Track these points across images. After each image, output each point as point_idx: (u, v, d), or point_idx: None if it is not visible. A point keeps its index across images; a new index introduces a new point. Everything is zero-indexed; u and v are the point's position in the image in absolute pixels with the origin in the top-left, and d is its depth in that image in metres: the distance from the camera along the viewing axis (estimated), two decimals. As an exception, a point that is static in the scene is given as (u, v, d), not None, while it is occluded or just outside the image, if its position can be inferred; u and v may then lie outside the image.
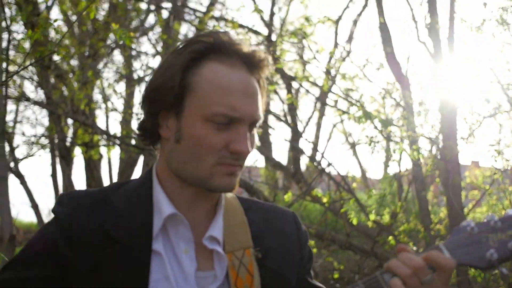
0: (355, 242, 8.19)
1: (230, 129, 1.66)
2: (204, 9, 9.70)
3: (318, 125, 14.94)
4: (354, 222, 6.07)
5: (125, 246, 1.71)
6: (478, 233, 1.55)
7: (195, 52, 1.69)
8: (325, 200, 7.28)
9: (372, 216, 6.25)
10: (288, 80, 8.68)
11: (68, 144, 9.26)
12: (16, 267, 1.76)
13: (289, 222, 1.96)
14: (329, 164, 8.04)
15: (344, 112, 7.55)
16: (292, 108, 9.57)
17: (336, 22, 12.77)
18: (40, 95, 9.66)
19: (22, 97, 8.36)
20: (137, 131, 1.88)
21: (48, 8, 9.30)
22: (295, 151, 9.60)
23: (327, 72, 8.34)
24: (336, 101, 8.29)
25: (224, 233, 1.80)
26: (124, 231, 1.73)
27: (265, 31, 9.72)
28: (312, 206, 11.14)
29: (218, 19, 8.91)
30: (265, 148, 12.98)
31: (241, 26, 8.28)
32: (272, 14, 11.57)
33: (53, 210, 1.80)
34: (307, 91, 10.34)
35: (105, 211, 1.76)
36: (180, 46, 1.76)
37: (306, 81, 8.26)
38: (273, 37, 8.81)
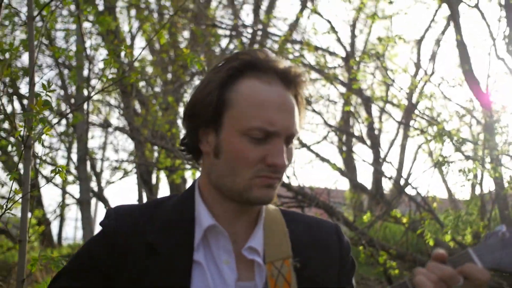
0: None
1: (266, 143, 1.70)
2: (282, 33, 9.84)
3: (403, 147, 14.75)
4: (431, 243, 5.94)
5: (167, 257, 1.79)
6: (509, 238, 1.52)
7: (233, 69, 1.75)
8: (404, 220, 7.20)
9: (448, 237, 6.09)
10: (365, 101, 8.63)
11: (151, 168, 9.53)
12: (64, 278, 1.88)
13: (330, 233, 1.98)
14: (408, 184, 7.93)
15: (422, 132, 7.47)
16: (371, 129, 9.51)
17: (419, 42, 12.67)
18: (123, 121, 10.02)
19: (104, 124, 8.71)
20: (180, 147, 1.96)
21: (132, 37, 9.71)
22: (376, 173, 9.51)
23: (409, 93, 8.27)
24: (415, 121, 8.20)
25: (265, 244, 1.85)
26: (166, 243, 1.81)
27: (343, 53, 9.72)
28: (396, 228, 10.95)
29: (293, 42, 8.99)
30: (349, 171, 12.92)
31: (317, 48, 8.33)
32: (353, 36, 11.61)
33: (101, 223, 1.91)
34: (385, 111, 10.23)
35: (148, 224, 1.85)
36: (219, 64, 1.83)
37: (383, 101, 8.22)
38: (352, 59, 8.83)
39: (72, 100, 8.12)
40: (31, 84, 3.46)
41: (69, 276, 1.88)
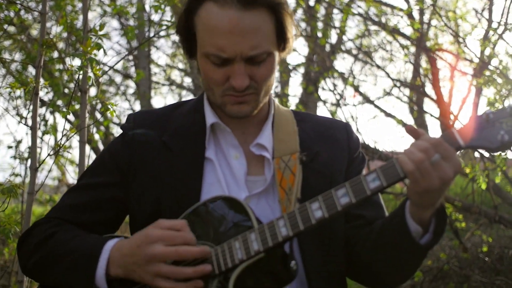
0: (506, 216, 7.86)
1: (227, 65, 1.81)
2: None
3: (475, 104, 14.35)
4: (483, 186, 5.85)
5: (180, 155, 1.95)
6: (493, 119, 1.56)
7: None
8: (467, 170, 7.08)
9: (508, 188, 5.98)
10: (427, 52, 8.46)
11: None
12: (88, 175, 2.08)
13: (340, 130, 2.09)
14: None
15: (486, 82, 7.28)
16: (436, 84, 9.33)
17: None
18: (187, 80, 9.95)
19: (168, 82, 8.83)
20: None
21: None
22: (443, 127, 9.36)
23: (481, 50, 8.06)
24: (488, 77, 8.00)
25: (274, 141, 1.98)
26: (179, 142, 1.97)
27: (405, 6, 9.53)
28: (461, 181, 10.69)
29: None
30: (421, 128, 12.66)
31: (376, 1, 8.23)
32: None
33: (121, 126, 2.10)
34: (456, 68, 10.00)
35: (164, 126, 2.02)
36: None
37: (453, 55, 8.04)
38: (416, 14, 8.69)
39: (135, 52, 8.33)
40: (85, 28, 3.68)
41: (92, 173, 2.06)
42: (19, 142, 6.69)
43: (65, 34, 4.57)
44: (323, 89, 9.68)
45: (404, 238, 1.72)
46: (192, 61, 2.11)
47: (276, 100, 2.12)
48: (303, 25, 8.71)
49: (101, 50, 3.37)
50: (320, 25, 8.98)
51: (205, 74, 1.87)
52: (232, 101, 1.87)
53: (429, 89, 9.79)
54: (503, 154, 6.12)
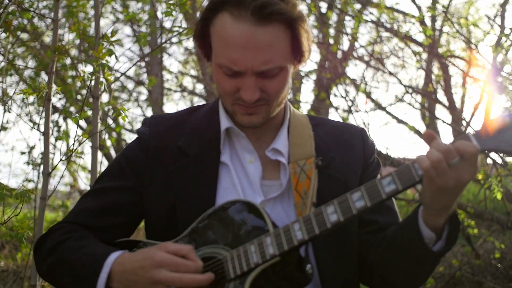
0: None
1: (238, 77, 1.82)
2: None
3: (487, 112, 14.29)
4: (498, 196, 5.83)
5: (196, 159, 1.96)
6: (510, 122, 1.55)
7: (213, 3, 1.84)
8: (480, 177, 7.04)
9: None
10: (439, 58, 8.43)
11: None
12: (104, 179, 2.09)
13: (355, 135, 2.08)
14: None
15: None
16: (448, 90, 9.31)
17: (503, 4, 12.21)
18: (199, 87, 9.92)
19: (180, 88, 8.85)
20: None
21: None
22: (455, 134, 9.33)
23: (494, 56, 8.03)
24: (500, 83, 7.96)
25: (290, 146, 1.98)
26: (195, 146, 1.98)
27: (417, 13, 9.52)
28: (474, 188, 10.64)
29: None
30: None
31: (388, 8, 8.23)
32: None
33: (137, 130, 2.10)
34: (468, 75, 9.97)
35: (179, 130, 2.03)
36: None
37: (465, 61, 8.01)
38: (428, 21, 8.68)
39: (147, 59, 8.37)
40: (97, 35, 3.69)
41: (108, 177, 2.07)
42: (32, 148, 6.73)
43: (77, 41, 4.60)
44: (335, 95, 9.67)
45: (417, 244, 1.71)
46: (206, 66, 2.12)
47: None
48: (315, 31, 8.70)
49: (113, 56, 3.39)
50: (332, 31, 8.99)
51: (217, 82, 1.89)
52: (242, 111, 1.88)
53: (441, 95, 9.77)
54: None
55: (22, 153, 6.62)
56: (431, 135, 1.61)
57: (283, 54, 1.81)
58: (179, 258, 1.70)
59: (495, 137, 1.56)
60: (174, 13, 3.97)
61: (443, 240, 1.73)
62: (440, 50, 7.93)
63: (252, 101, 1.81)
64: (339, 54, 9.27)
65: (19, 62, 6.69)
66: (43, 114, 3.45)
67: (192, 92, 9.26)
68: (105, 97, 8.57)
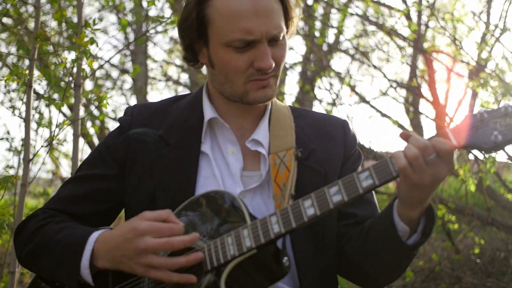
0: (499, 218, 7.87)
1: (250, 49, 1.82)
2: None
3: (471, 106, 14.36)
4: (472, 188, 5.87)
5: (176, 148, 1.96)
6: (487, 119, 1.55)
7: None
8: (461, 172, 7.08)
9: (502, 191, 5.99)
10: (422, 52, 8.45)
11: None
12: (85, 167, 2.08)
13: (337, 127, 2.09)
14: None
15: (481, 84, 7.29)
16: (433, 85, 9.33)
17: (489, 1, 12.24)
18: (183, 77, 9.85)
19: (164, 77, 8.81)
20: (184, 60, 2.11)
21: None
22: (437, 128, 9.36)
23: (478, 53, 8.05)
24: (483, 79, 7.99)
25: (270, 137, 1.98)
26: (176, 135, 1.97)
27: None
28: (456, 182, 10.68)
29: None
30: (417, 130, 12.72)
31: (374, 2, 8.23)
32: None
33: (118, 119, 2.09)
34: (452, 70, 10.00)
35: (161, 120, 2.02)
36: None
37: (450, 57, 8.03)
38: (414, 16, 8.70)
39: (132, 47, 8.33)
40: (79, 22, 3.67)
41: (89, 165, 2.07)
42: (8, 133, 6.65)
43: (60, 28, 4.55)
44: (320, 88, 9.70)
45: (391, 237, 1.73)
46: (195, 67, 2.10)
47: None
48: (301, 24, 8.70)
49: (95, 44, 3.37)
50: (318, 24, 8.98)
51: (225, 64, 1.87)
52: (257, 86, 1.88)
53: (425, 90, 9.80)
54: (493, 155, 6.13)
55: (0, 139, 6.55)
56: (407, 136, 1.62)
57: (282, 19, 1.87)
58: (161, 223, 1.71)
59: (473, 134, 1.56)
60: (159, 2, 3.94)
61: (418, 233, 1.75)
62: (425, 45, 7.94)
63: (270, 68, 1.83)
64: (325, 47, 9.28)
65: (2, 48, 6.62)
66: (25, 100, 3.43)
67: (177, 82, 9.25)
68: (89, 85, 8.52)
